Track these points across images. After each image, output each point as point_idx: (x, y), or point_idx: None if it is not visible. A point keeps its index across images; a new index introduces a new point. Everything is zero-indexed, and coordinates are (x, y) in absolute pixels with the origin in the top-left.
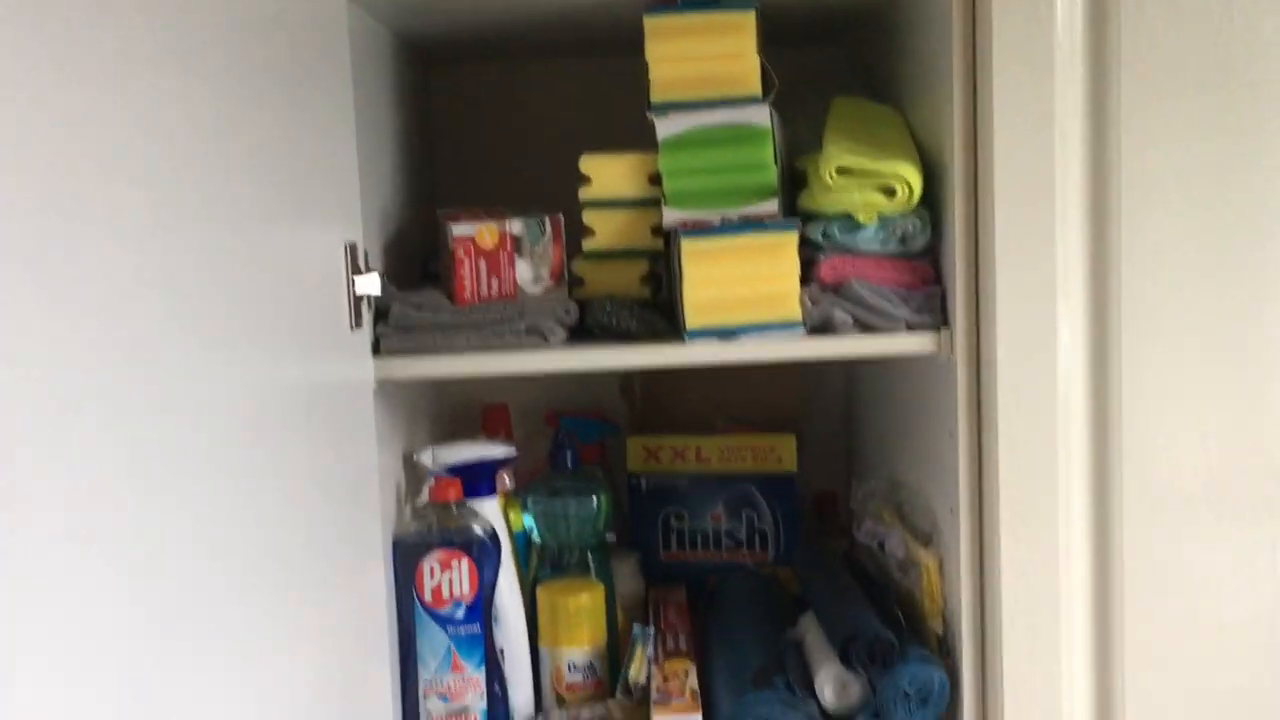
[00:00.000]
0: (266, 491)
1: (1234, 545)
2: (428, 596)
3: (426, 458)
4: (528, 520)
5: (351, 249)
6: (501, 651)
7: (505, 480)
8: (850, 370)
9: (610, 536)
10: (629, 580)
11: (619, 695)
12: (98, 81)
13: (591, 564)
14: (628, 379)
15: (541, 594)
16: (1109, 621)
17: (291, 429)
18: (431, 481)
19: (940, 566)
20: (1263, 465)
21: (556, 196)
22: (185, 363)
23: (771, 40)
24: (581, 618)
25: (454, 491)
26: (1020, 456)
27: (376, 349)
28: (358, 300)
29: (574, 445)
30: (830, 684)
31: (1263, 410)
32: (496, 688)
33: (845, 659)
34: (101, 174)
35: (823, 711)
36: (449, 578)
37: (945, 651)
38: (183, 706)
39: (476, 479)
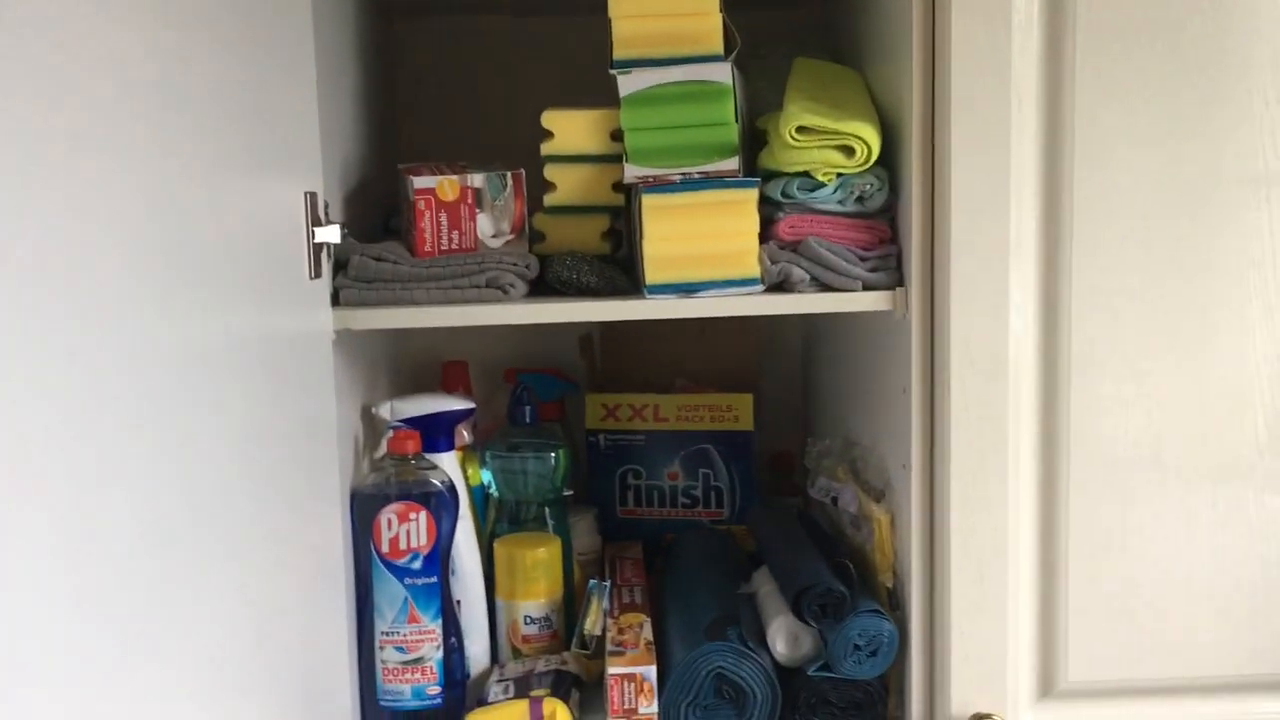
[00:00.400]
0: (222, 440)
1: (1173, 504)
2: (385, 548)
3: (385, 410)
4: (486, 475)
5: (311, 198)
6: (458, 603)
7: (464, 435)
8: (807, 331)
9: (568, 492)
10: (586, 536)
11: (575, 647)
12: (49, 24)
13: (549, 519)
14: (587, 337)
15: (499, 547)
16: (1054, 576)
17: (248, 376)
18: (390, 434)
19: (892, 522)
20: (1202, 429)
21: (519, 151)
22: (140, 310)
23: (734, 0)
24: (538, 571)
25: (412, 444)
26: (972, 415)
27: (336, 300)
28: (317, 250)
29: (533, 402)
30: (782, 635)
31: (1204, 375)
32: (453, 639)
33: (797, 611)
34: (53, 118)
35: (775, 662)
36: (406, 529)
37: (895, 605)
38: (137, 652)
39: (435, 432)
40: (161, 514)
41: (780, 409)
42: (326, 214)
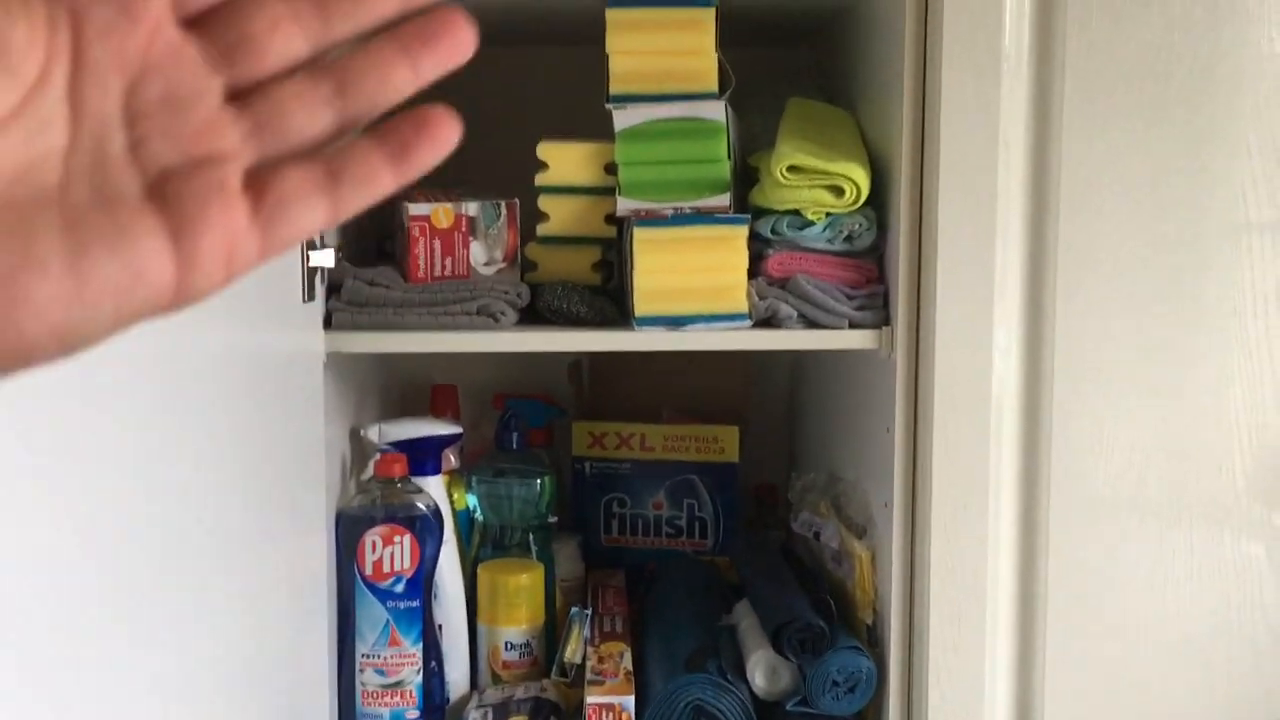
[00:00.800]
0: (210, 458)
1: (1153, 547)
2: (368, 570)
3: (373, 433)
4: (471, 499)
5: None
6: (440, 628)
7: (451, 459)
8: (794, 366)
9: (552, 519)
10: (569, 563)
11: (554, 675)
12: None
13: (533, 545)
14: (576, 364)
15: (482, 573)
16: (1032, 617)
17: (239, 396)
18: (377, 456)
19: (873, 559)
20: (1182, 473)
21: (513, 181)
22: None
23: (730, 39)
24: (521, 598)
25: (399, 467)
26: (954, 454)
27: (328, 323)
28: (311, 273)
29: (520, 427)
30: (761, 669)
31: (1185, 419)
32: (433, 663)
33: (777, 645)
34: None
35: (753, 696)
36: (390, 552)
37: (874, 642)
38: (117, 670)
39: (422, 456)
40: (145, 530)
41: (766, 442)
42: (321, 238)
